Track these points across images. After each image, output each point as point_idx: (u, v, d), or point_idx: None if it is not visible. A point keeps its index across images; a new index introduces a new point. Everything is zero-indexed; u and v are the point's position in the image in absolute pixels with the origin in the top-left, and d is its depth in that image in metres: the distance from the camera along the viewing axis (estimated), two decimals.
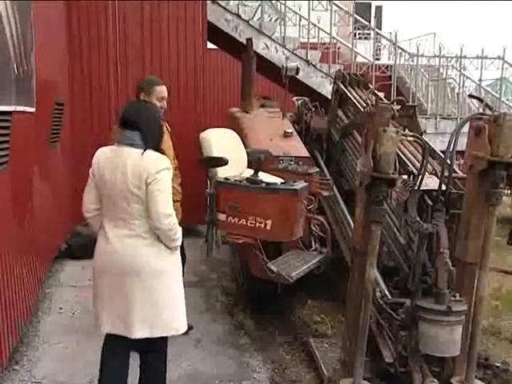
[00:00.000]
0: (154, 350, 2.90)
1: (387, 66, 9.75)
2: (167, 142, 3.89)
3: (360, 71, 8.44)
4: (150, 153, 2.70)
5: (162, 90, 3.71)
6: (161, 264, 2.78)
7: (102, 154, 2.78)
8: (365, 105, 4.58)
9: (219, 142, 3.99)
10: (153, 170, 2.65)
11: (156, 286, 2.76)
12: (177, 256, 2.87)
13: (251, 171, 3.79)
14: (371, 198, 2.72)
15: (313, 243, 4.22)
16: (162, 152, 2.79)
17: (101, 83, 6.78)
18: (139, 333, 2.77)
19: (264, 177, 3.75)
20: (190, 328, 4.12)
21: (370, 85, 5.60)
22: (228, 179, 3.65)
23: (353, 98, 4.99)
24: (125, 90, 6.68)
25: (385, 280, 3.37)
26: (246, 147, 4.43)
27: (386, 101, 4.60)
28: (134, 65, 6.82)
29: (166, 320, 2.82)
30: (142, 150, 2.67)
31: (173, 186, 2.84)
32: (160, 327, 2.80)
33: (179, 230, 2.79)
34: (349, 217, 4.20)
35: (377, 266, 2.83)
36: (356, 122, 4.73)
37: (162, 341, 2.89)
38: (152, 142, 2.73)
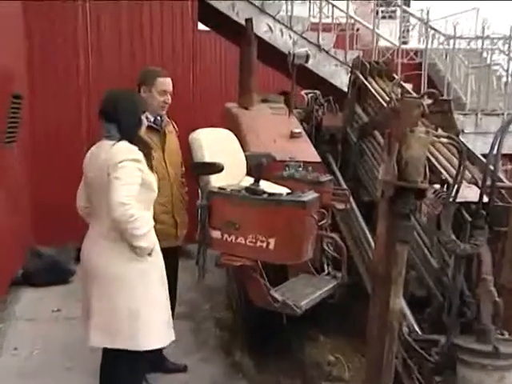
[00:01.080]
0: (113, 365, 3.19)
1: (417, 52, 9.77)
2: (172, 145, 4.09)
3: (383, 58, 8.42)
4: (121, 144, 3.06)
5: (165, 82, 3.96)
6: (121, 269, 3.04)
7: (90, 151, 3.20)
8: (388, 99, 4.59)
9: (212, 144, 4.01)
10: (116, 159, 2.97)
11: (113, 293, 3.04)
12: (146, 263, 3.09)
13: (251, 179, 3.81)
14: (396, 211, 2.71)
15: (325, 266, 4.21)
16: (142, 145, 3.14)
17: (68, 75, 6.78)
18: (94, 341, 3.10)
19: (266, 186, 3.77)
20: (183, 368, 4.24)
21: (395, 74, 5.60)
22: (223, 189, 3.68)
23: (374, 91, 4.97)
24: (97, 82, 6.69)
25: (413, 312, 3.35)
26: (244, 150, 4.45)
27: (414, 94, 4.59)
28: (108, 52, 6.83)
29: (126, 333, 3.06)
30: (114, 142, 3.05)
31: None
32: (118, 339, 3.07)
33: (142, 226, 3.00)
34: (369, 235, 4.21)
35: (404, 294, 2.82)
36: (377, 120, 4.73)
37: (122, 358, 3.13)
38: (128, 133, 3.10)
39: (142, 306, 3.09)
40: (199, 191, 3.85)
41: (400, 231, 2.69)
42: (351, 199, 4.47)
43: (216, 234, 3.58)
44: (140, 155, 3.08)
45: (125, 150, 3.04)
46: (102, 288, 3.05)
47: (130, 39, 6.90)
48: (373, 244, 3.77)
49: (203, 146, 3.91)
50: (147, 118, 3.54)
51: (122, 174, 2.95)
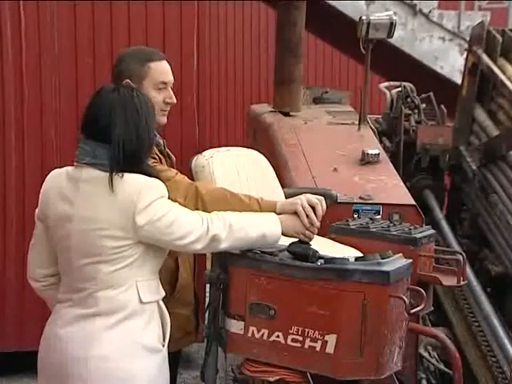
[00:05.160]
0: None
1: None
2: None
3: None
4: (130, 177, 2.58)
5: (163, 68, 3.18)
6: (127, 365, 2.61)
7: (53, 183, 2.72)
8: None
9: (231, 174, 3.40)
10: (140, 204, 2.56)
11: None
12: (162, 356, 2.68)
13: None
14: None
15: None
16: (155, 175, 2.67)
17: None
18: None
19: (322, 246, 3.05)
20: None
21: None
22: (249, 250, 2.96)
23: (509, 84, 4.30)
24: (37, 78, 5.34)
25: None
26: (283, 185, 3.77)
27: None
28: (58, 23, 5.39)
29: None
30: (109, 174, 2.56)
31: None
32: None
33: (218, 229, 2.66)
34: (502, 332, 3.67)
35: None
36: None
37: None
38: (134, 159, 2.59)
39: None
40: (207, 255, 3.21)
41: None
42: (469, 270, 3.84)
43: (236, 325, 2.91)
44: (165, 189, 2.67)
45: (148, 185, 2.59)
46: None
47: (91, 8, 5.42)
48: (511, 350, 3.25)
49: (216, 177, 3.24)
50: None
51: (165, 217, 2.58)
